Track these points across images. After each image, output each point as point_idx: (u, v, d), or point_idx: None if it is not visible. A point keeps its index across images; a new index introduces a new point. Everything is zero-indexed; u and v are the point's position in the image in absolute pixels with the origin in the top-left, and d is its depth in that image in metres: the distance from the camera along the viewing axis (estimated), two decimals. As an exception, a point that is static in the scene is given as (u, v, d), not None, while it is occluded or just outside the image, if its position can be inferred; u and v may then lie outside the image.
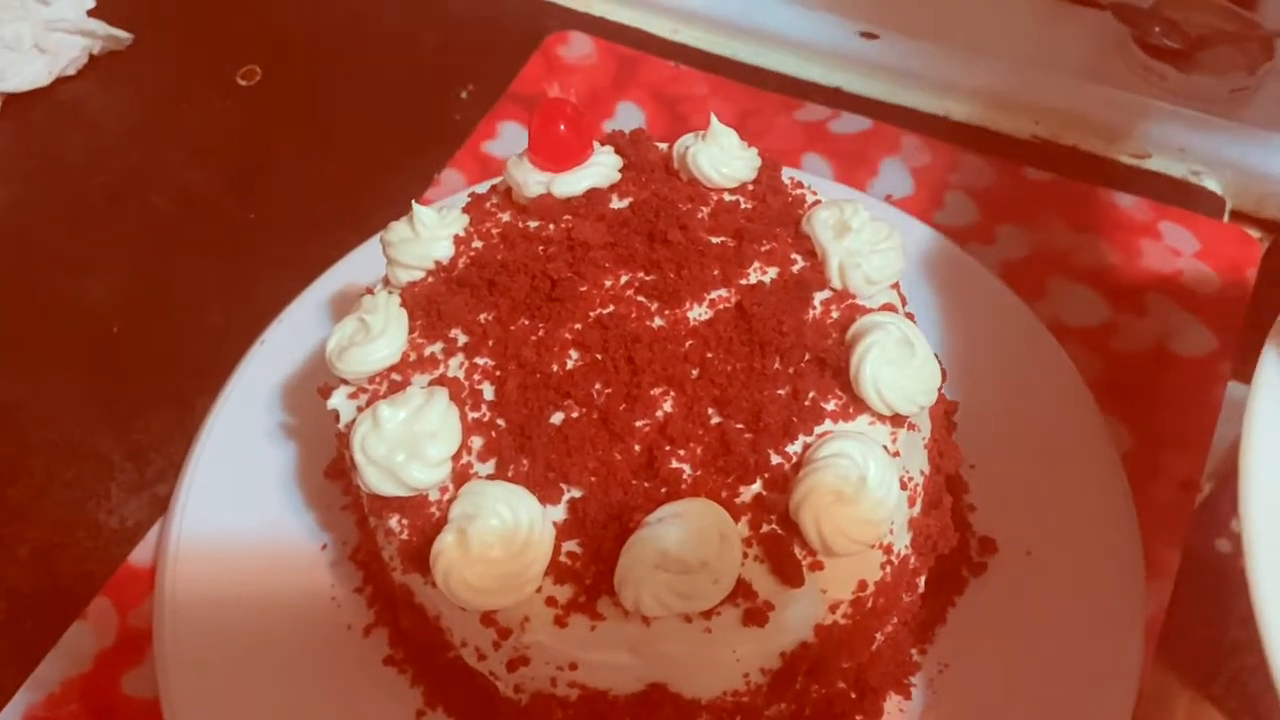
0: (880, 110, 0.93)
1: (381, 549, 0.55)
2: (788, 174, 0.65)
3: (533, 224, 0.60)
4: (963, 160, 0.88)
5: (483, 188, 0.66)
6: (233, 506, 0.68)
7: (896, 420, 0.53)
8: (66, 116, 0.97)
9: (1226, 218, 0.85)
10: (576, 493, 0.51)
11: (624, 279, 0.58)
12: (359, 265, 0.78)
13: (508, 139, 0.92)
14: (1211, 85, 0.91)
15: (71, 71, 0.99)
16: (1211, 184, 0.87)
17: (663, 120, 0.92)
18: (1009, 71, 0.92)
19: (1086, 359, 0.74)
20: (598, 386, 0.53)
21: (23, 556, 0.71)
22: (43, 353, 0.82)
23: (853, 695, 0.57)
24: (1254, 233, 0.83)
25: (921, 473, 0.55)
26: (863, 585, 0.51)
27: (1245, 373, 0.76)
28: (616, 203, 0.61)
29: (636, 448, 0.52)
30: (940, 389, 0.55)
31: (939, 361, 0.56)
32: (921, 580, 0.59)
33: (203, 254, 0.87)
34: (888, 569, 0.53)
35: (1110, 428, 0.69)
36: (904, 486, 0.52)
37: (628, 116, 0.93)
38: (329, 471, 0.68)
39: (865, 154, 0.89)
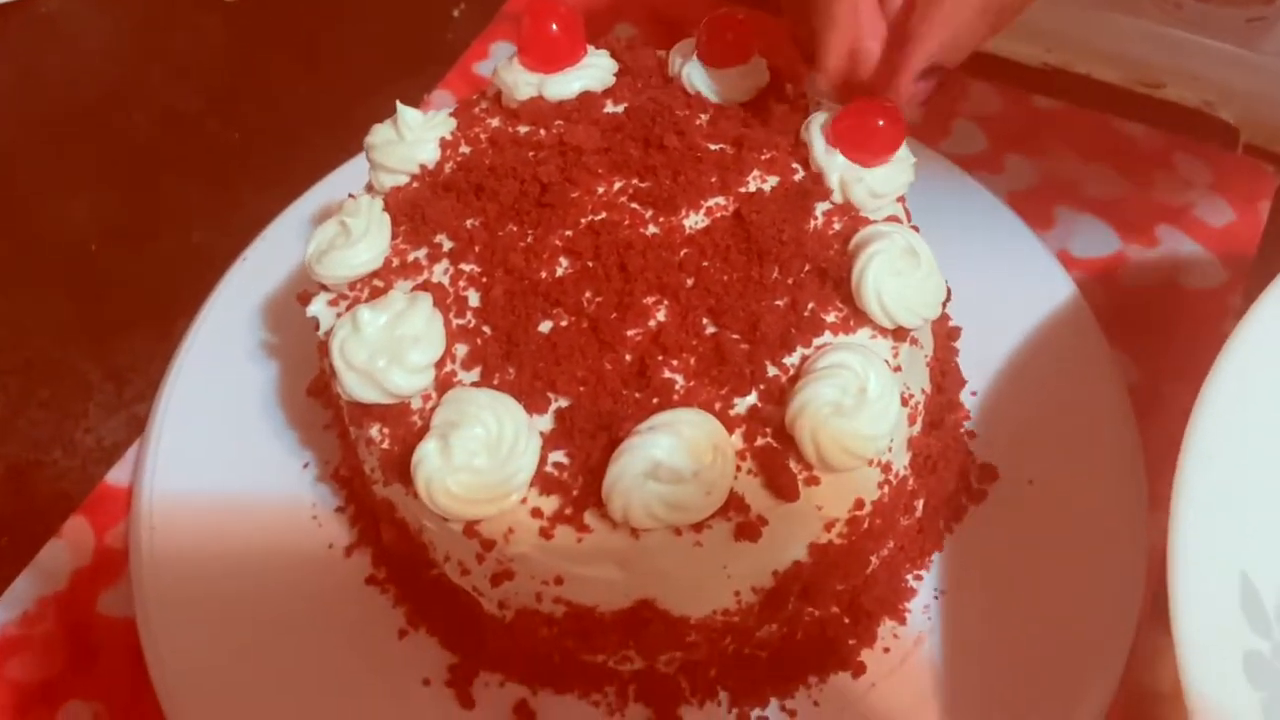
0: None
1: (363, 461, 0.53)
2: (792, 87, 0.62)
3: (523, 129, 0.58)
4: (971, 88, 0.85)
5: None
6: (212, 425, 0.66)
7: (899, 334, 0.51)
8: (45, 31, 0.94)
9: (1240, 150, 0.83)
10: (564, 402, 0.49)
11: (617, 185, 0.55)
12: (343, 183, 0.74)
13: (499, 60, 0.89)
14: (1228, 15, 0.88)
15: (50, -16, 0.95)
16: (1225, 115, 0.84)
17: (660, 43, 0.89)
18: (1021, -3, 0.89)
19: (1094, 290, 0.72)
20: (588, 294, 0.51)
21: (-3, 474, 0.69)
22: (19, 271, 0.80)
23: (846, 620, 0.56)
24: (1268, 166, 0.81)
25: (923, 391, 0.54)
26: (859, 504, 0.50)
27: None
28: (611, 107, 0.59)
29: (627, 357, 0.50)
30: (944, 305, 0.53)
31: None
32: (920, 504, 0.57)
33: (185, 174, 0.85)
34: (885, 489, 0.51)
35: (1117, 359, 0.67)
36: (904, 403, 0.51)
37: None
38: (311, 389, 0.66)
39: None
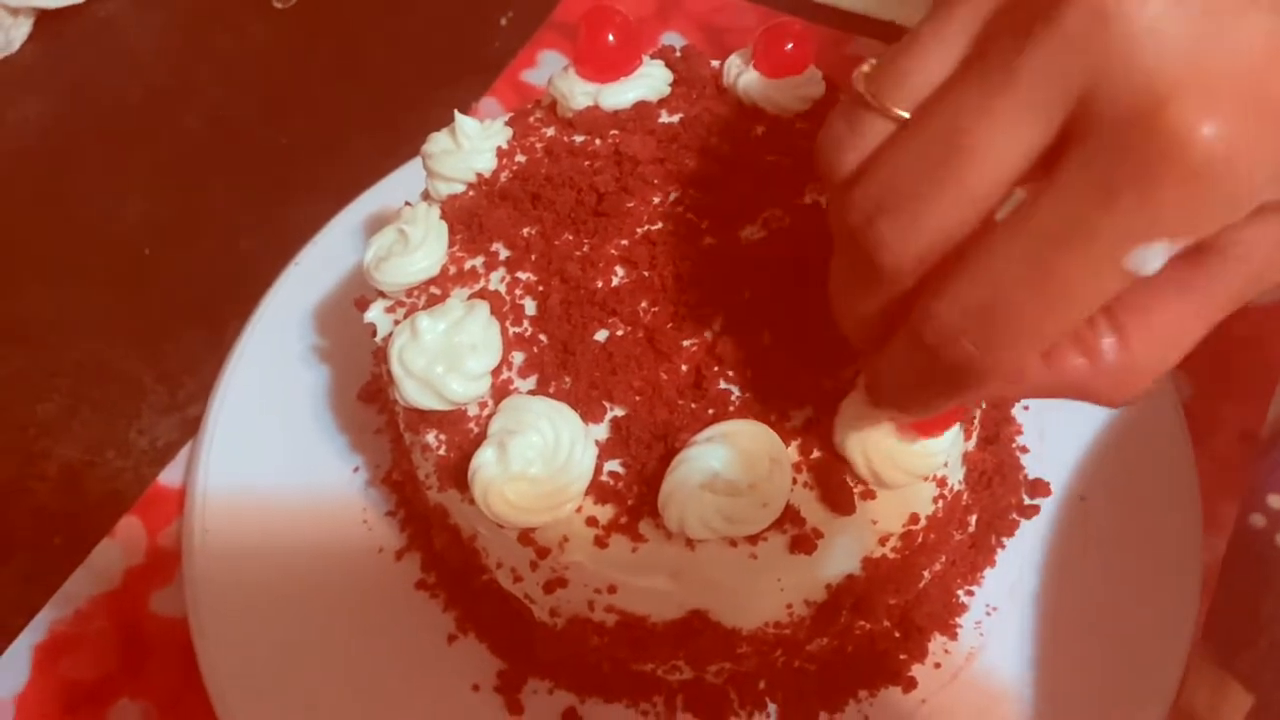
0: (935, 46, 0.89)
1: (417, 467, 0.54)
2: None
3: (578, 138, 0.58)
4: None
5: (525, 109, 0.64)
6: (264, 428, 0.67)
7: (956, 348, 0.51)
8: (100, 35, 0.95)
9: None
10: (620, 411, 0.49)
11: (673, 196, 0.55)
12: (396, 189, 0.75)
13: (547, 68, 0.90)
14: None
15: (105, -11, 0.97)
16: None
17: (707, 51, 0.89)
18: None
19: (1147, 305, 0.71)
20: (644, 304, 0.51)
21: (51, 474, 0.70)
22: (73, 272, 0.81)
23: (897, 634, 0.56)
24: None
25: (980, 406, 0.53)
26: (914, 519, 0.49)
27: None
28: (666, 118, 0.59)
29: (683, 367, 0.50)
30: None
31: None
32: (973, 519, 0.57)
33: (235, 177, 0.86)
34: (940, 504, 0.50)
35: (1171, 375, 0.66)
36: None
37: (672, 47, 0.91)
38: (362, 394, 0.67)
39: (918, 90, 0.86)
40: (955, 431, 0.48)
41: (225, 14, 0.97)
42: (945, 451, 0.48)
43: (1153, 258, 0.32)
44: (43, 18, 0.94)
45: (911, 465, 0.47)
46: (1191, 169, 0.30)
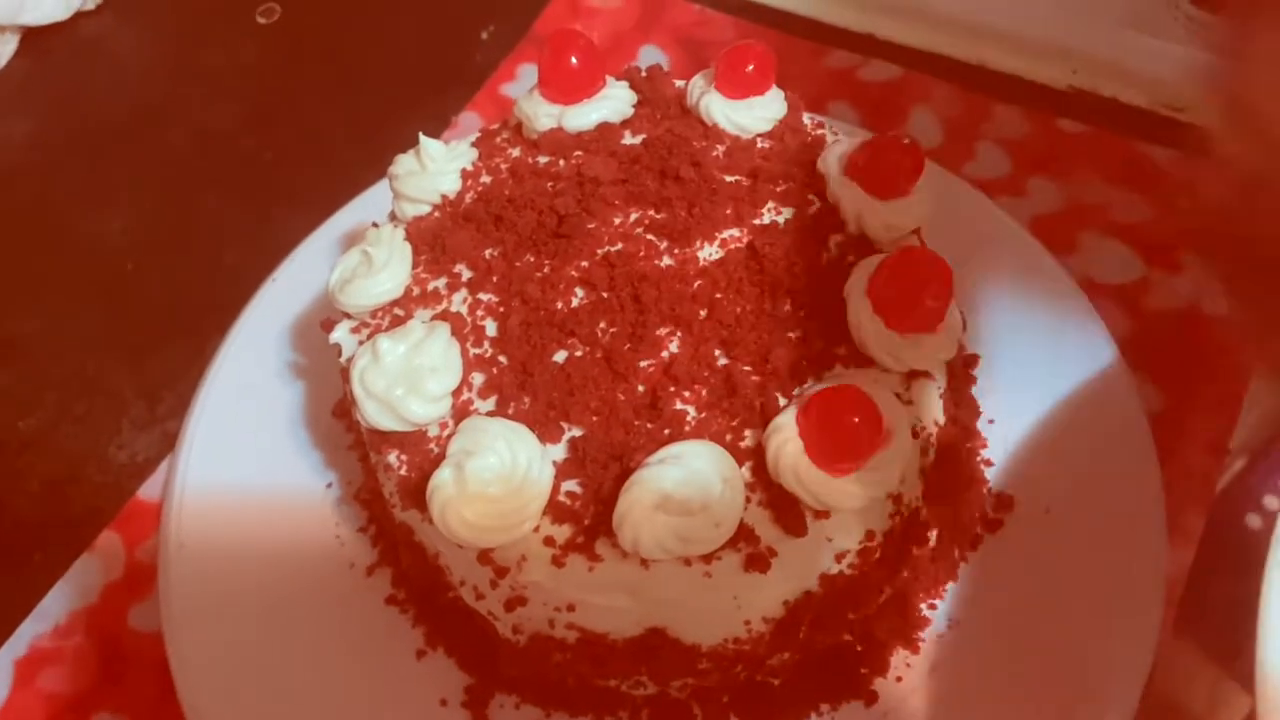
0: (912, 58, 0.89)
1: (381, 485, 0.55)
2: (810, 118, 0.63)
3: (542, 159, 0.59)
4: (996, 110, 0.85)
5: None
6: (240, 444, 0.67)
7: (911, 371, 0.51)
8: (84, 52, 0.96)
9: (1269, 175, 0.82)
10: (577, 432, 0.50)
11: (633, 216, 0.56)
12: (372, 204, 0.76)
13: (527, 82, 0.89)
14: (1260, 36, 0.87)
15: (90, 6, 0.98)
16: (1255, 139, 0.83)
17: (686, 64, 0.90)
18: (1047, 18, 0.88)
19: (1118, 316, 0.72)
20: (602, 325, 0.52)
21: (33, 489, 0.71)
22: (57, 288, 0.82)
23: (858, 648, 0.56)
24: (1297, 191, 0.80)
25: (935, 423, 0.54)
26: (870, 536, 0.50)
27: None
28: (629, 139, 0.59)
29: (640, 388, 0.50)
30: (960, 340, 0.54)
31: (959, 313, 0.54)
32: (933, 534, 0.57)
33: (219, 192, 0.87)
34: (897, 520, 0.51)
35: (1139, 387, 0.66)
36: (916, 435, 0.51)
37: (651, 60, 0.91)
38: (336, 410, 0.68)
39: (894, 102, 0.86)
40: (909, 449, 0.49)
41: (210, 30, 0.98)
42: (899, 471, 0.49)
43: None
44: (29, 35, 0.95)
45: (864, 488, 0.48)
46: None
